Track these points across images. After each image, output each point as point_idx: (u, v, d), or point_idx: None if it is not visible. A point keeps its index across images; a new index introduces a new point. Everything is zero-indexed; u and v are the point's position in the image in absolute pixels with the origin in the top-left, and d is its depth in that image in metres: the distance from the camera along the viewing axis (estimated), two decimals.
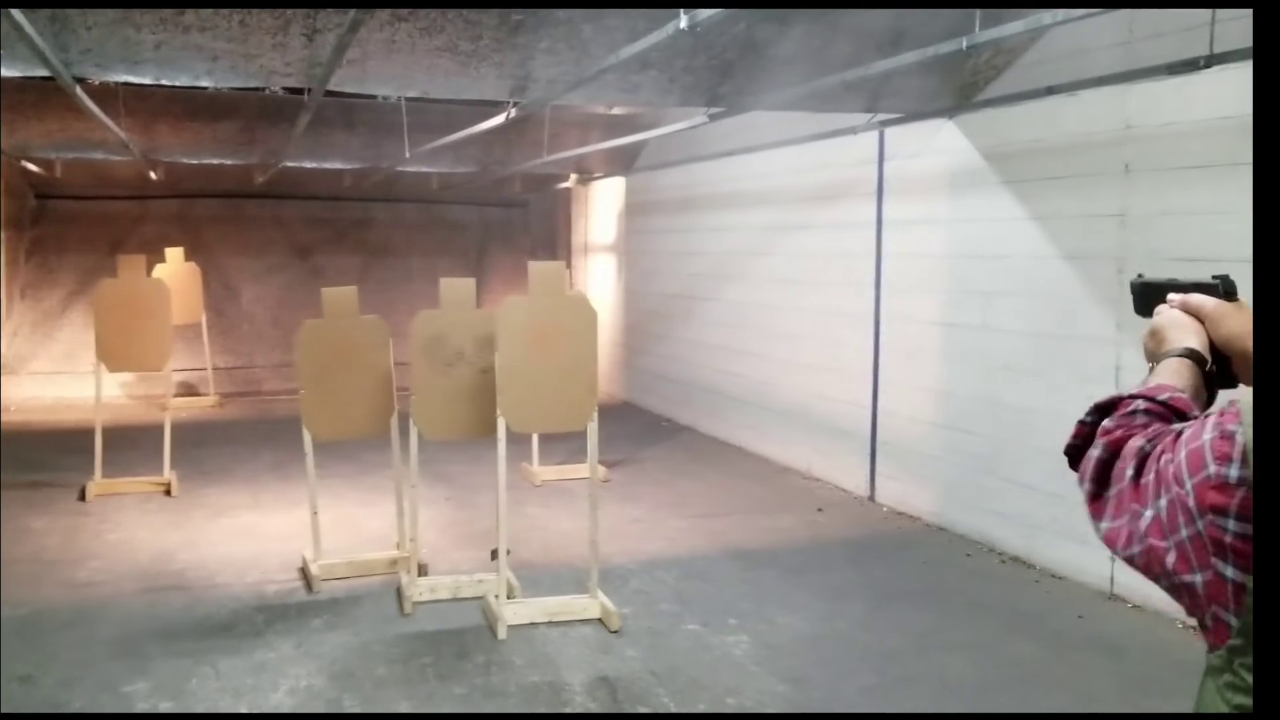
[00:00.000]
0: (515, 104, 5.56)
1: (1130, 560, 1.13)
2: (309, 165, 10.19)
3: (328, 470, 5.68)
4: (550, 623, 4.91)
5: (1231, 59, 4.16)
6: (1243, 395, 1.06)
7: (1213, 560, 1.01)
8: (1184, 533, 1.03)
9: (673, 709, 4.10)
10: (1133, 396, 1.26)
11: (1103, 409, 1.27)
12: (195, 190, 12.54)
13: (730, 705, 4.14)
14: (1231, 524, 0.99)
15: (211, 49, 4.60)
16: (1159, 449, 1.12)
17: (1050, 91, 5.23)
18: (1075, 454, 1.30)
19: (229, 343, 12.24)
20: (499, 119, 6.29)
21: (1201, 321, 1.37)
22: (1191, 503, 1.02)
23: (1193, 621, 3.95)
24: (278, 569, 5.71)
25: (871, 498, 7.31)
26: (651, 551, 6.12)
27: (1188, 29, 4.56)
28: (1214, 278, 1.40)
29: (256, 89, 8.50)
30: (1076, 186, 5.44)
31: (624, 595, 5.29)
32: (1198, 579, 1.04)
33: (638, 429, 9.85)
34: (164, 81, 5.00)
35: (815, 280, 7.92)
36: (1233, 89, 4.53)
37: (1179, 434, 1.10)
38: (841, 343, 7.58)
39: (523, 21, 4.90)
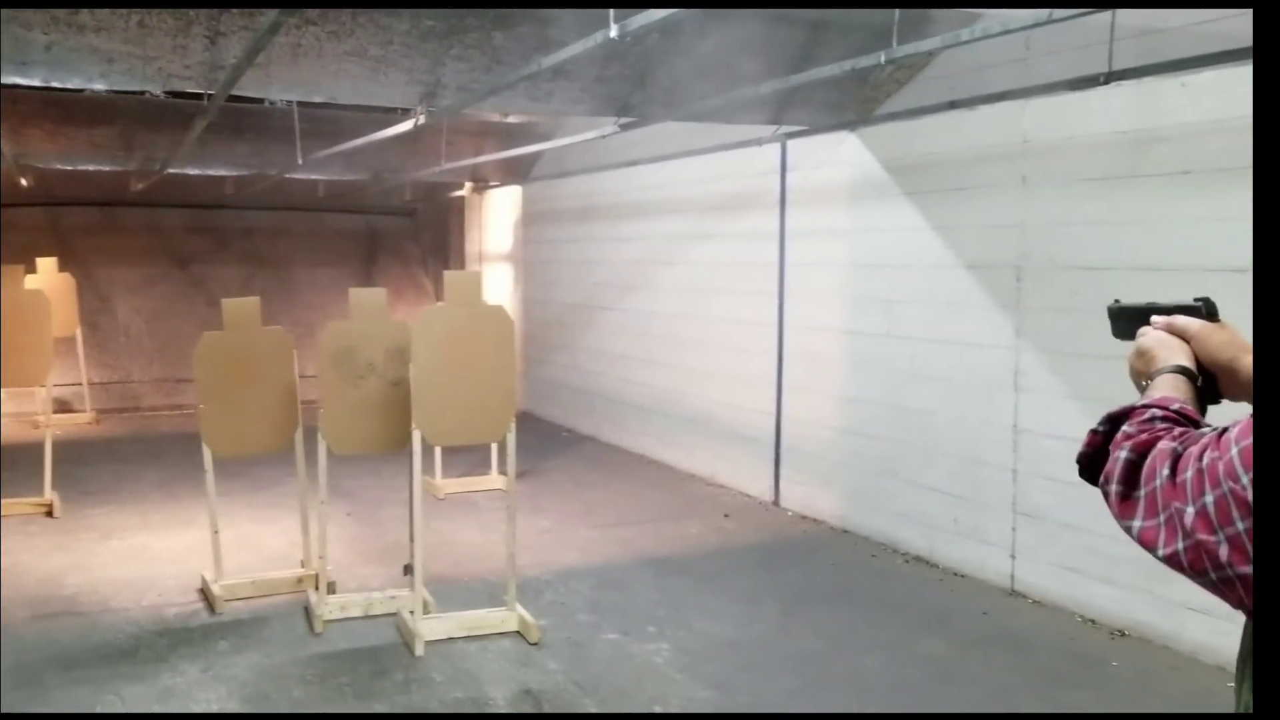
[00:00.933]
0: (424, 111, 5.47)
1: (1171, 558, 1.15)
2: (192, 172, 9.84)
3: (220, 488, 5.48)
4: (468, 637, 4.83)
5: (1128, 76, 4.37)
6: None
7: None
8: (1241, 525, 1.06)
9: None
10: (1145, 406, 1.30)
11: (1115, 419, 1.31)
12: (67, 198, 11.97)
13: (657, 713, 4.14)
14: None
15: (107, 50, 4.41)
16: (1196, 448, 1.14)
17: (952, 106, 5.41)
18: (1087, 461, 1.34)
19: (105, 357, 11.71)
20: (405, 126, 6.18)
21: (1187, 341, 1.44)
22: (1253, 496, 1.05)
23: (1093, 615, 4.10)
24: (176, 591, 5.48)
25: (776, 503, 7.41)
26: (564, 562, 6.08)
27: (1083, 47, 4.76)
28: (1196, 300, 1.47)
29: (136, 93, 8.17)
30: (976, 197, 5.63)
31: (540, 607, 5.24)
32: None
33: (539, 439, 9.78)
34: (54, 84, 4.76)
35: (720, 289, 8.00)
36: (1127, 104, 4.76)
37: (1221, 433, 1.13)
38: (746, 351, 7.67)
39: (434, 27, 4.83)
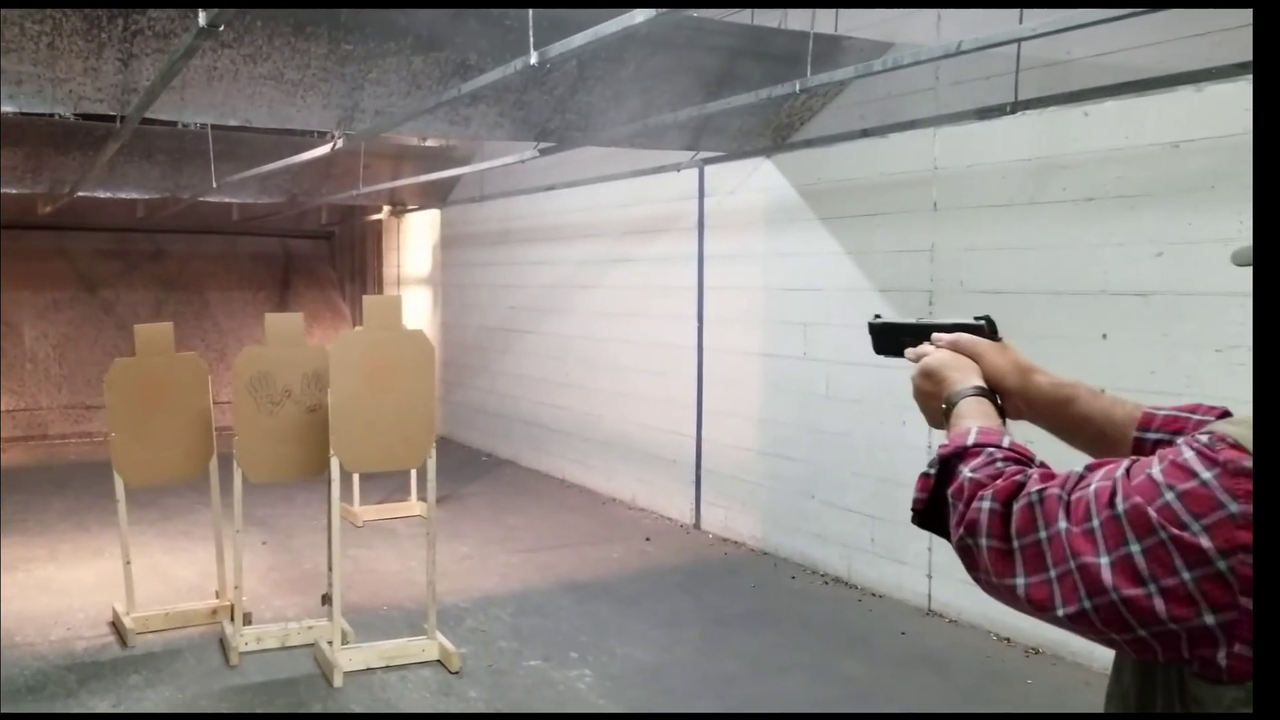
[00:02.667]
0: (341, 135, 5.43)
1: (1077, 617, 1.04)
2: (102, 195, 9.61)
3: (132, 517, 5.34)
4: (388, 667, 4.77)
5: (1033, 105, 4.53)
6: (1225, 428, 1.03)
7: (1240, 599, 0.96)
8: (1186, 575, 0.97)
9: None
10: (979, 446, 1.20)
11: (947, 460, 1.21)
12: None
13: None
14: None
15: (15, 72, 4.30)
16: (1094, 492, 1.04)
17: (865, 134, 5.54)
18: (923, 507, 1.24)
19: (11, 384, 11.33)
20: (322, 150, 6.13)
21: (976, 361, 1.41)
22: (1208, 543, 0.96)
23: (1008, 633, 4.15)
24: (85, 624, 5.32)
25: (697, 525, 7.46)
26: (485, 588, 6.04)
27: (988, 77, 4.93)
28: (977, 318, 1.45)
29: (46, 115, 7.97)
30: (889, 223, 5.77)
31: (461, 634, 5.20)
32: (1211, 619, 0.97)
33: (457, 464, 9.71)
34: None
35: (638, 312, 8.05)
36: (1031, 132, 4.93)
37: (1128, 473, 1.04)
38: (665, 373, 7.72)
39: (352, 51, 4.81)
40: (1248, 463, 0.97)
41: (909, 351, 1.50)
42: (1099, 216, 4.70)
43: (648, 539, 7.21)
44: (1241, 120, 4.08)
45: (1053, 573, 1.04)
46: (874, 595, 5.91)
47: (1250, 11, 3.57)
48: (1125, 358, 4.60)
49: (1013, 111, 4.60)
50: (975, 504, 1.13)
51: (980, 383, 1.36)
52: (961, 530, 1.14)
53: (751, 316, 6.85)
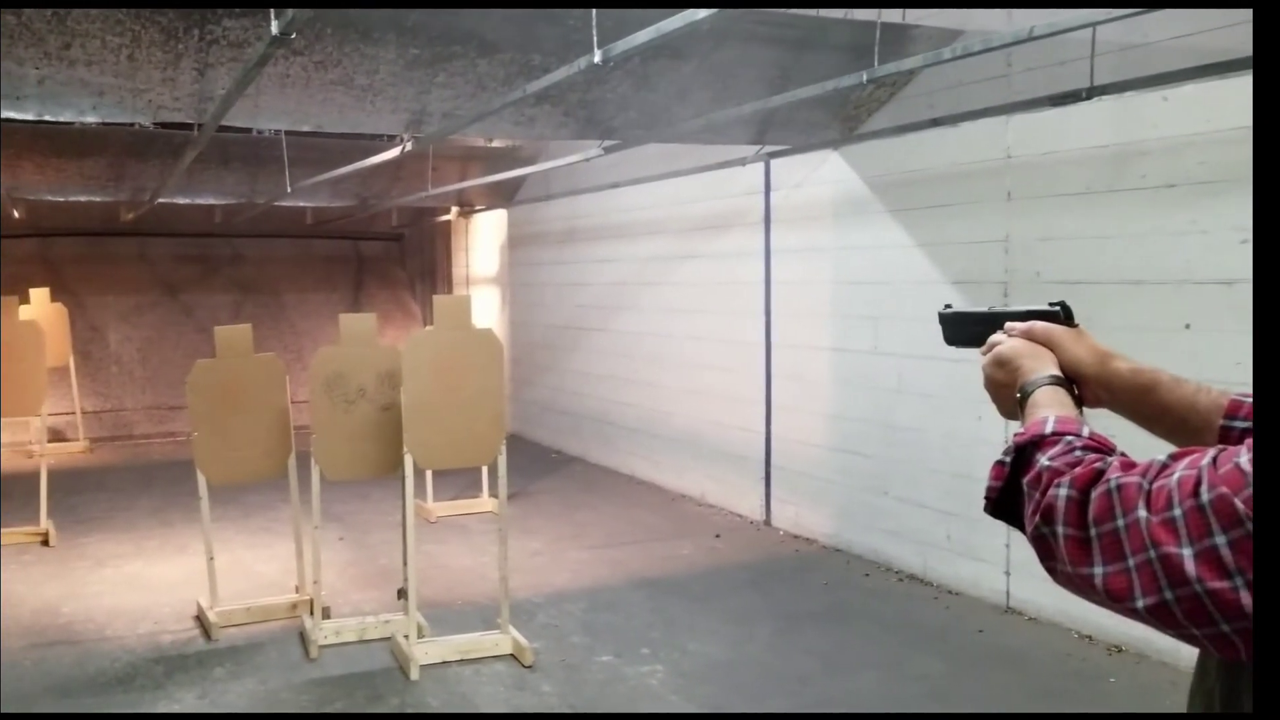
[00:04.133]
0: (411, 138, 5.51)
1: (1157, 609, 1.00)
2: (181, 201, 9.87)
3: (214, 514, 5.48)
4: (462, 661, 4.83)
5: (1110, 91, 4.43)
6: None
7: None
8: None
9: None
10: (1056, 434, 1.16)
11: (1023, 448, 1.17)
12: (57, 228, 11.99)
13: None
14: None
15: (98, 84, 4.44)
16: (1178, 480, 1.00)
17: (935, 123, 5.46)
18: (997, 495, 1.19)
19: (97, 385, 11.70)
20: (392, 153, 6.22)
21: (1052, 349, 1.37)
22: None
23: (1089, 631, 4.03)
24: (171, 618, 5.47)
25: (768, 522, 7.42)
26: (556, 584, 6.09)
27: (1061, 63, 4.83)
28: (1052, 304, 1.41)
29: (126, 124, 8.20)
30: (961, 214, 5.68)
31: (533, 629, 5.24)
32: None
33: (527, 461, 9.79)
34: (47, 117, 4.79)
35: (706, 309, 8.04)
36: (1108, 118, 4.82)
37: (1215, 462, 1.00)
38: (733, 370, 7.70)
39: (419, 55, 4.87)
40: None
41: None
42: (1180, 203, 4.57)
43: (718, 536, 7.20)
44: None
45: (1131, 562, 1.00)
46: (950, 593, 5.83)
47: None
48: (1209, 348, 4.47)
49: (1088, 97, 4.49)
50: (1051, 491, 1.08)
51: (1056, 371, 1.33)
52: (1037, 518, 1.10)
53: (820, 311, 6.80)
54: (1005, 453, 1.19)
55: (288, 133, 7.94)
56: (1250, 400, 1.31)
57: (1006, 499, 1.19)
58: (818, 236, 6.80)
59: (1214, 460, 1.00)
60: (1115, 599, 1.02)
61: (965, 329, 1.53)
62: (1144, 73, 4.45)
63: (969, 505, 5.71)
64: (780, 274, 7.20)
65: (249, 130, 8.34)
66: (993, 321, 1.46)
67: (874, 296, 6.34)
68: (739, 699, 4.48)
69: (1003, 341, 1.39)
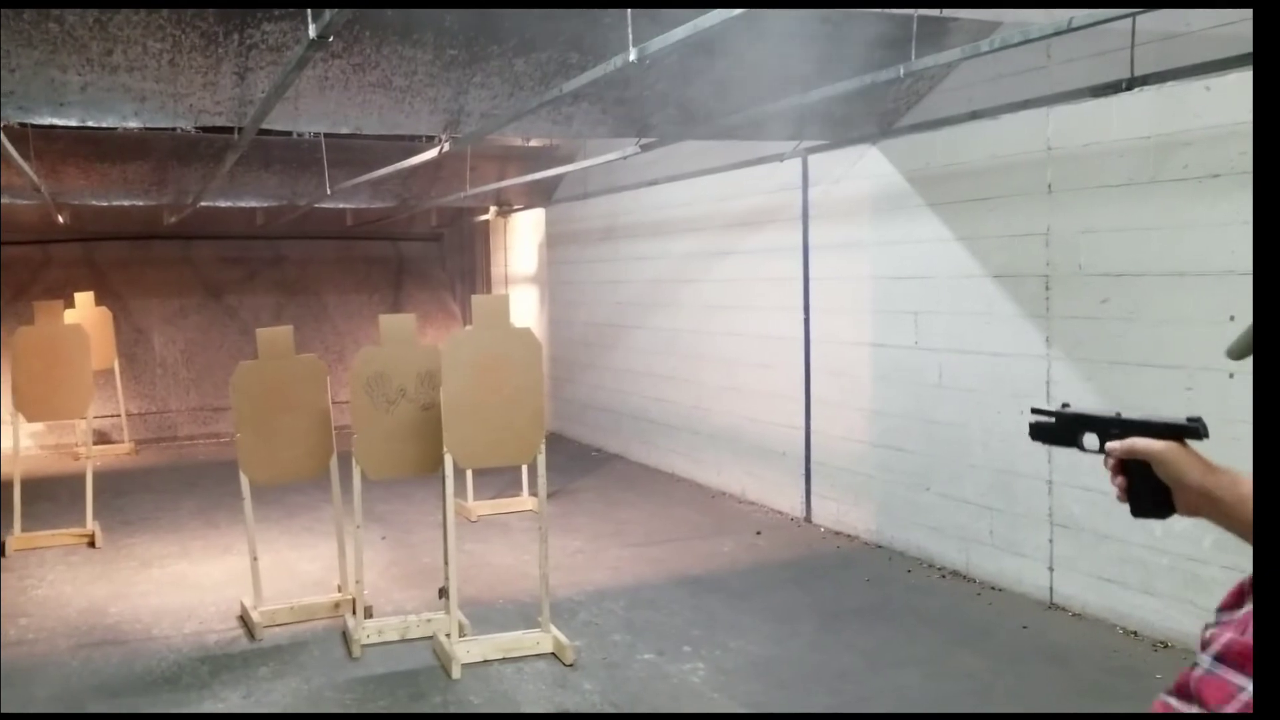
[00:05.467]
0: (449, 139, 5.54)
1: None
2: (223, 204, 9.99)
3: (258, 515, 5.54)
4: (504, 659, 4.85)
5: (1151, 81, 4.36)
6: None
7: None
8: None
9: None
10: None
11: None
12: (101, 232, 12.18)
13: None
14: None
15: (140, 89, 4.50)
16: None
17: (974, 116, 5.40)
18: None
19: (141, 388, 11.87)
20: (430, 154, 6.26)
21: (1147, 464, 1.41)
22: None
23: (1135, 627, 3.96)
24: (216, 618, 5.54)
25: (808, 519, 7.39)
26: (597, 582, 6.10)
27: (1100, 54, 4.76)
28: (1190, 420, 1.42)
29: (168, 129, 8.31)
30: (1000, 207, 5.62)
31: (574, 628, 5.25)
32: None
33: (567, 459, 9.82)
34: (90, 123, 4.86)
35: (744, 305, 8.02)
36: (1150, 109, 4.75)
37: None
38: (772, 366, 7.67)
39: (456, 56, 4.89)
40: None
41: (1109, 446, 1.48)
42: (1224, 194, 4.50)
43: (758, 533, 7.18)
44: None
45: None
46: (993, 589, 5.77)
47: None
48: None
49: (1129, 88, 4.43)
50: None
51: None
52: None
53: (859, 306, 6.75)
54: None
55: (327, 135, 8.01)
56: None
57: None
58: (856, 231, 6.76)
59: None
60: None
61: (1070, 430, 1.55)
62: (1185, 62, 4.38)
63: (1012, 500, 5.66)
64: (819, 269, 7.17)
65: (289, 133, 8.43)
66: (1109, 427, 1.49)
67: (914, 291, 6.29)
68: (781, 696, 4.47)
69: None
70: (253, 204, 10.43)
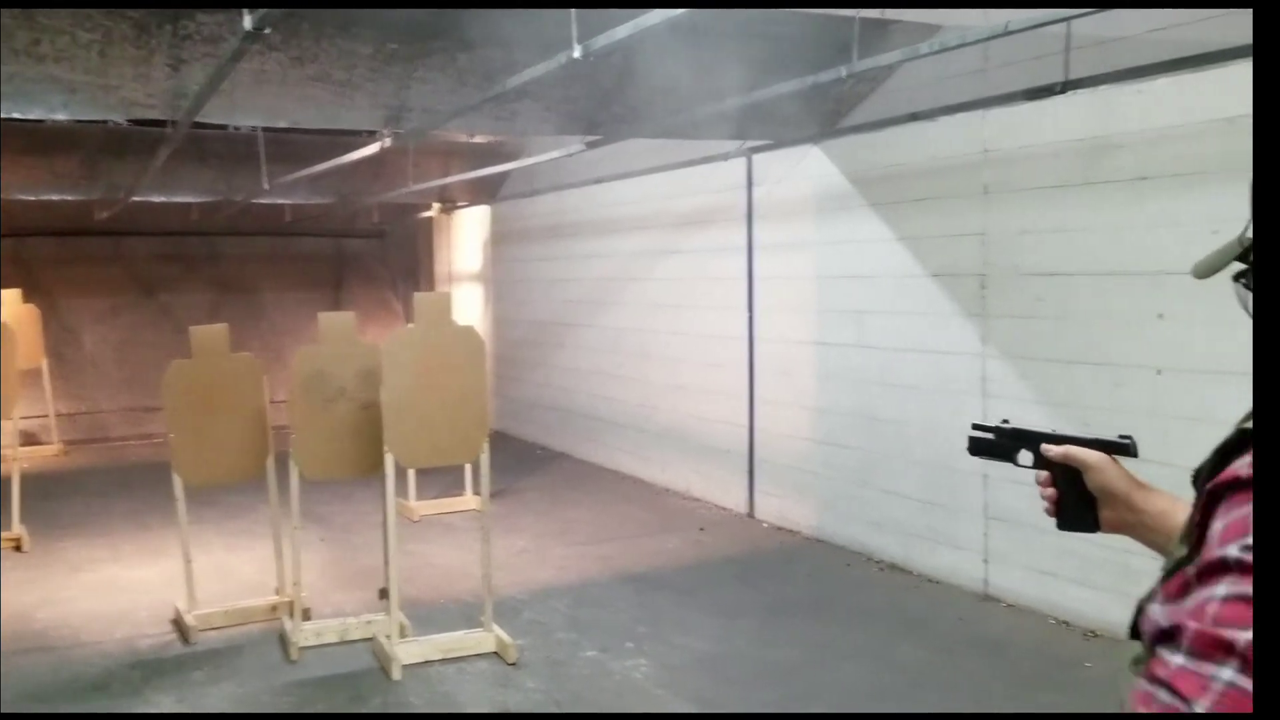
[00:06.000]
0: (390, 134, 5.48)
1: None
2: (156, 199, 9.79)
3: (192, 516, 5.43)
4: (445, 660, 4.81)
5: (1085, 84, 4.44)
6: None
7: None
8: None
9: None
10: None
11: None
12: (29, 228, 11.86)
13: None
14: None
15: (69, 81, 4.39)
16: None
17: (914, 117, 5.47)
18: None
19: (71, 387, 11.59)
20: (371, 149, 6.18)
21: (1083, 471, 1.44)
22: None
23: (1066, 617, 4.05)
24: (148, 622, 5.42)
25: (751, 514, 7.43)
26: (541, 581, 6.07)
27: (1038, 57, 4.83)
28: (1122, 437, 1.46)
29: (99, 121, 8.12)
30: (939, 208, 5.69)
31: (518, 627, 5.23)
32: None
33: (512, 458, 9.76)
34: (16, 115, 4.73)
35: (690, 304, 8.04)
36: (1083, 112, 4.83)
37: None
38: (718, 364, 7.70)
39: (398, 50, 4.84)
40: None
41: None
42: (1154, 196, 4.60)
43: (703, 529, 7.20)
44: None
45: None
46: (931, 581, 5.85)
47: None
48: (1183, 337, 4.50)
49: (1063, 91, 4.51)
50: None
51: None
52: None
53: (803, 305, 6.80)
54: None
55: (265, 129, 7.88)
56: None
57: None
58: (800, 231, 6.81)
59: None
60: None
61: (1005, 444, 1.58)
62: (1118, 66, 4.47)
63: (949, 495, 5.74)
64: (763, 269, 7.21)
65: (225, 126, 8.28)
66: (1037, 441, 1.52)
67: (856, 290, 6.35)
68: (725, 691, 4.48)
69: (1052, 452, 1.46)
70: (187, 199, 10.23)
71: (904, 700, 4.37)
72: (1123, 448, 1.46)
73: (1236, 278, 1.13)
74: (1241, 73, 4.16)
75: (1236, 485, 0.93)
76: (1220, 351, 4.33)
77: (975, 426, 1.63)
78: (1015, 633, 5.08)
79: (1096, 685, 4.43)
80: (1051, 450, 1.47)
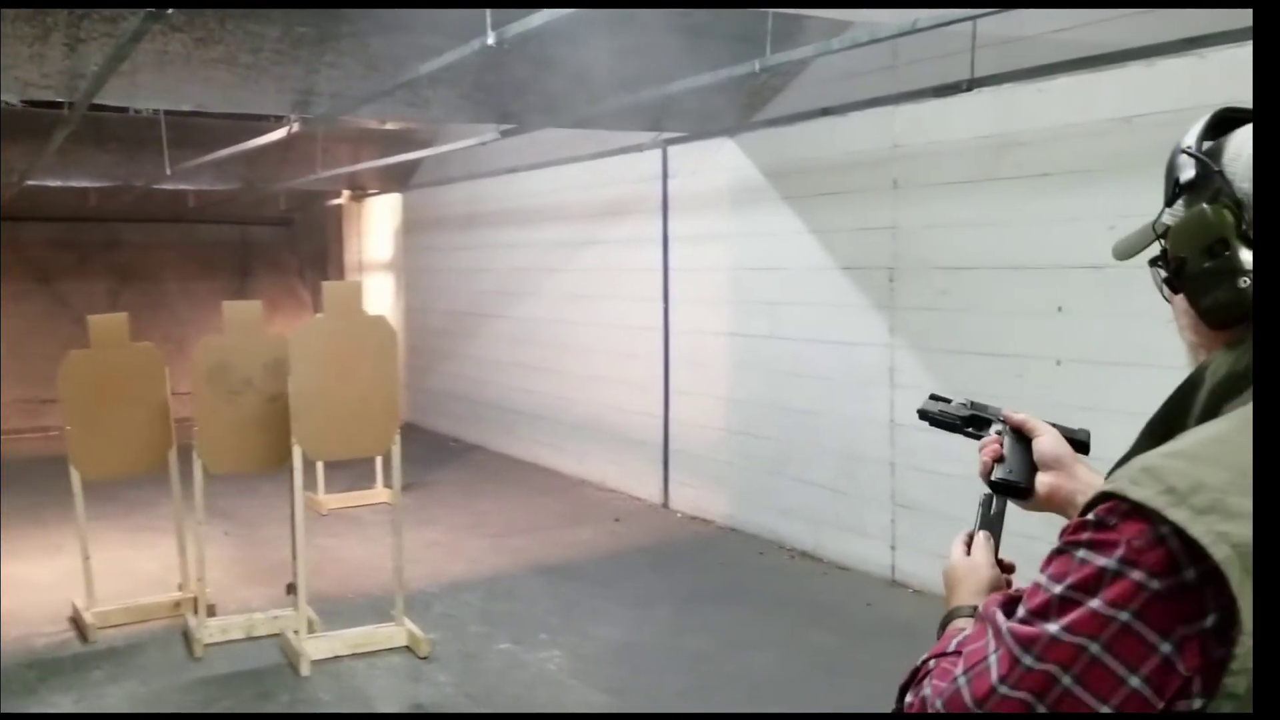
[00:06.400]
0: (298, 119, 5.36)
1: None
2: (52, 184, 9.44)
3: (90, 511, 5.26)
4: (355, 655, 4.74)
5: (989, 82, 4.54)
6: (1110, 487, 0.94)
7: (1189, 672, 0.89)
8: (1143, 671, 0.89)
9: None
10: (924, 662, 1.20)
11: (904, 689, 1.20)
12: None
13: None
14: (1210, 619, 0.88)
15: None
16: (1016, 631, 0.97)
17: (826, 112, 5.55)
18: None
19: None
20: (279, 134, 6.05)
21: (1034, 436, 1.45)
22: (1144, 629, 0.89)
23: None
24: (45, 620, 5.24)
25: (666, 505, 7.47)
26: (454, 574, 6.03)
27: (946, 55, 4.94)
28: (1079, 429, 1.49)
29: None
30: (851, 201, 5.78)
31: (430, 620, 5.18)
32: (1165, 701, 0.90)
33: (424, 450, 9.65)
34: None
35: (605, 295, 8.03)
36: (988, 109, 4.95)
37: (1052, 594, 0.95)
38: (633, 355, 7.72)
39: (306, 34, 4.74)
40: (1158, 529, 0.89)
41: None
42: (1054, 192, 4.73)
43: (617, 520, 7.22)
44: (1191, 94, 4.11)
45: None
46: (840, 568, 5.95)
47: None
48: (1080, 330, 4.65)
49: (969, 89, 4.62)
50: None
51: (970, 603, 1.36)
52: None
53: (718, 297, 6.85)
54: (897, 702, 1.23)
55: (167, 112, 7.65)
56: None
57: None
58: (714, 223, 6.85)
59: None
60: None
61: (943, 421, 1.59)
62: (1021, 65, 4.59)
63: (859, 484, 5.84)
64: (678, 260, 7.24)
65: (126, 109, 8.02)
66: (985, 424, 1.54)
67: (770, 282, 6.42)
68: (638, 680, 4.51)
69: (957, 563, 1.46)
70: (85, 184, 9.90)
71: (813, 687, 4.44)
72: (1081, 444, 1.48)
73: (1153, 262, 1.16)
74: (1139, 73, 4.30)
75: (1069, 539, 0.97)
76: (1116, 343, 4.48)
77: (934, 398, 1.63)
78: (922, 618, 5.18)
79: None
80: (1014, 416, 1.48)
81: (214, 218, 13.12)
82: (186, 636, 4.94)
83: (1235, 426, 0.96)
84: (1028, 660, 0.93)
